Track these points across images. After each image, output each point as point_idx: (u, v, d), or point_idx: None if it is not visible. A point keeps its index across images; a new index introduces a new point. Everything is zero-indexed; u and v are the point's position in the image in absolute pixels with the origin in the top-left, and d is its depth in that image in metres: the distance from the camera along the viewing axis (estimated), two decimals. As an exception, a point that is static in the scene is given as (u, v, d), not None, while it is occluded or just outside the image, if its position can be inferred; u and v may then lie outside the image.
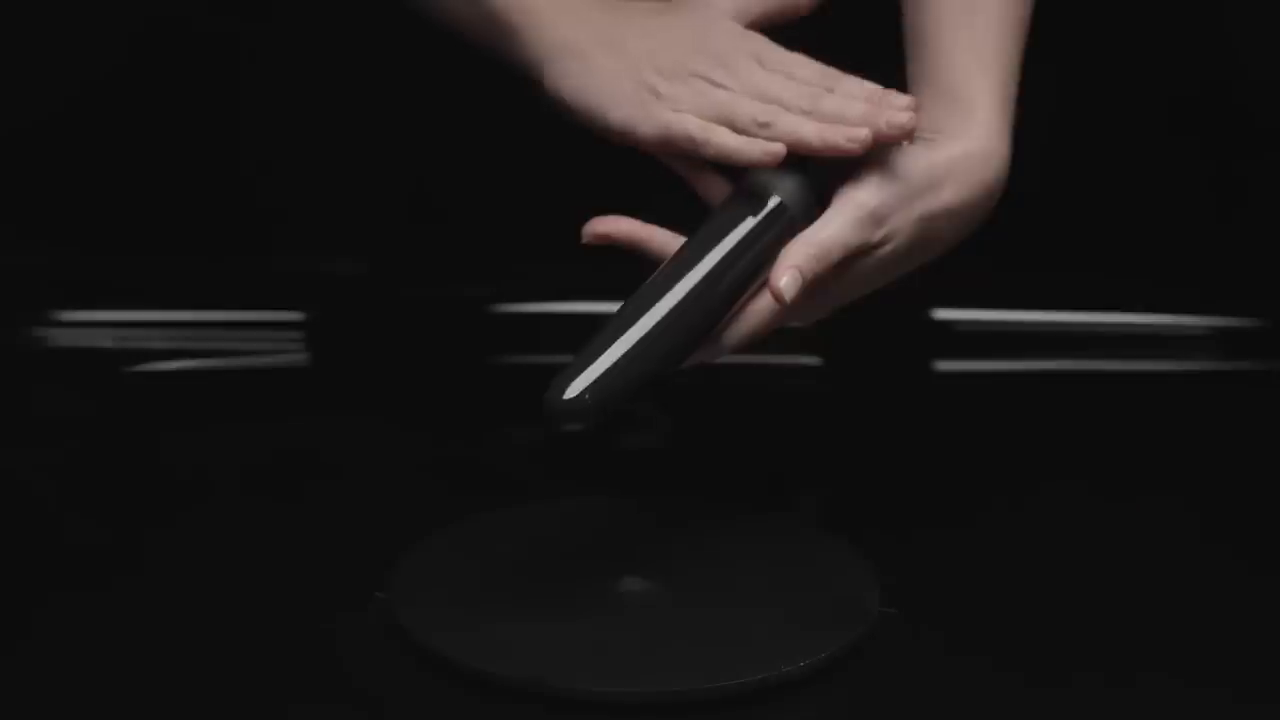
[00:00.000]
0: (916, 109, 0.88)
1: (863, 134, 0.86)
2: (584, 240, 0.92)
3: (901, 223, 0.88)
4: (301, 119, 1.22)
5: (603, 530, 0.98)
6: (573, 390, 0.83)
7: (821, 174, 0.89)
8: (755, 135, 0.87)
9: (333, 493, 1.04)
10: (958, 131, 0.91)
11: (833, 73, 0.90)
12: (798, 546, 0.97)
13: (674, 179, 0.94)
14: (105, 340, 1.23)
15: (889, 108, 0.87)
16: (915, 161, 0.89)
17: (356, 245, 1.25)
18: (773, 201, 0.88)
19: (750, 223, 0.87)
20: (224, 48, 1.22)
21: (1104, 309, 1.26)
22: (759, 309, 0.87)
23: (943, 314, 1.25)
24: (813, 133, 0.87)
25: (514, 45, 0.92)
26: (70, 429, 1.13)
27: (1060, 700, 0.87)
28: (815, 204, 0.88)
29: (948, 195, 0.89)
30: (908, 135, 0.87)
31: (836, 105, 0.88)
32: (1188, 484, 1.07)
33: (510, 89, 0.92)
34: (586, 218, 0.95)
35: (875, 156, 0.88)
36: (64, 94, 1.21)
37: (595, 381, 0.83)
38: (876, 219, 0.87)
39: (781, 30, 0.94)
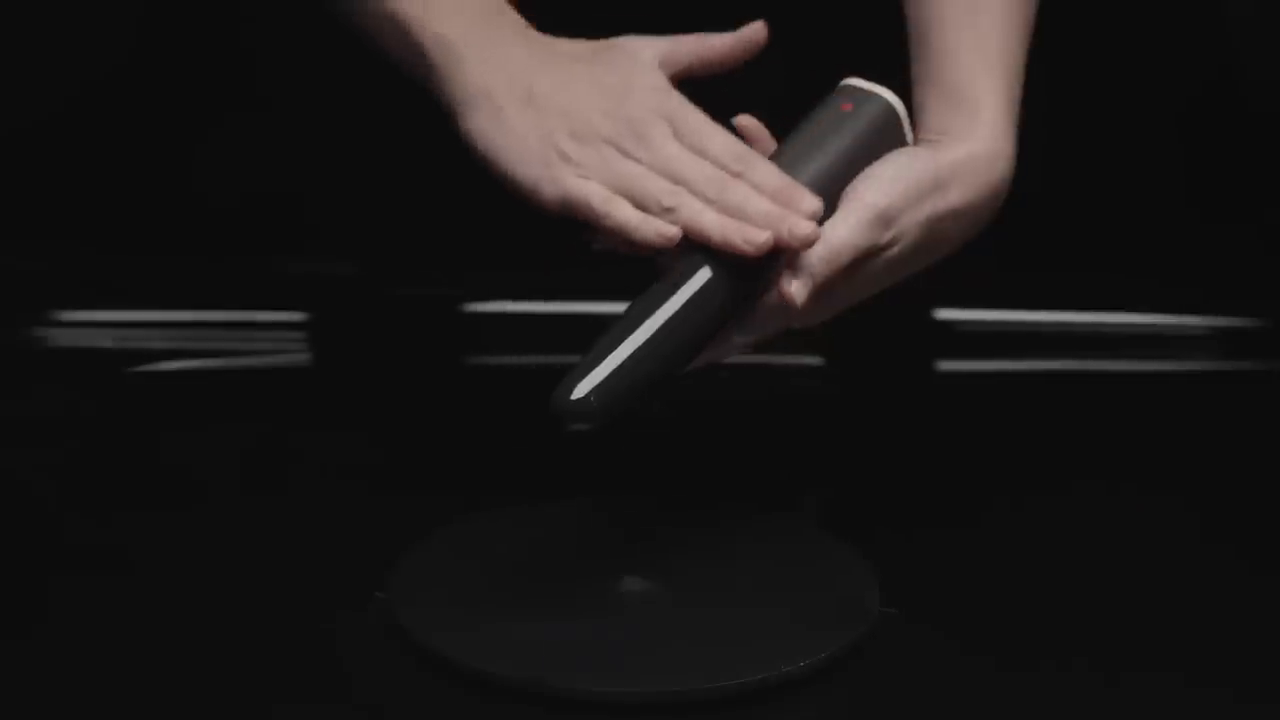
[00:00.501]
0: (817, 217, 0.86)
1: (762, 238, 0.84)
2: (593, 246, 0.91)
3: (909, 224, 0.88)
4: (301, 119, 1.22)
5: (603, 530, 0.98)
6: (580, 391, 0.83)
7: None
8: (658, 216, 0.86)
9: (333, 493, 1.04)
10: (963, 133, 0.91)
11: (745, 154, 0.88)
12: (798, 546, 0.97)
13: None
14: (105, 340, 1.23)
15: (794, 212, 0.85)
16: (922, 163, 0.89)
17: (357, 246, 1.25)
18: None
19: None
20: (224, 48, 1.22)
21: (1104, 309, 1.26)
22: (765, 311, 0.87)
23: (944, 314, 1.25)
24: (713, 226, 0.85)
25: (434, 84, 0.91)
26: (70, 429, 1.13)
27: (1060, 700, 0.87)
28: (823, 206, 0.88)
29: (955, 196, 0.89)
30: (808, 246, 0.85)
31: (740, 198, 0.86)
32: (1188, 484, 1.07)
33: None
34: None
35: (882, 159, 0.89)
36: (64, 94, 1.21)
37: (602, 382, 0.83)
38: (885, 220, 0.87)
39: (785, 31, 0.93)
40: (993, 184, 0.91)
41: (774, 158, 0.90)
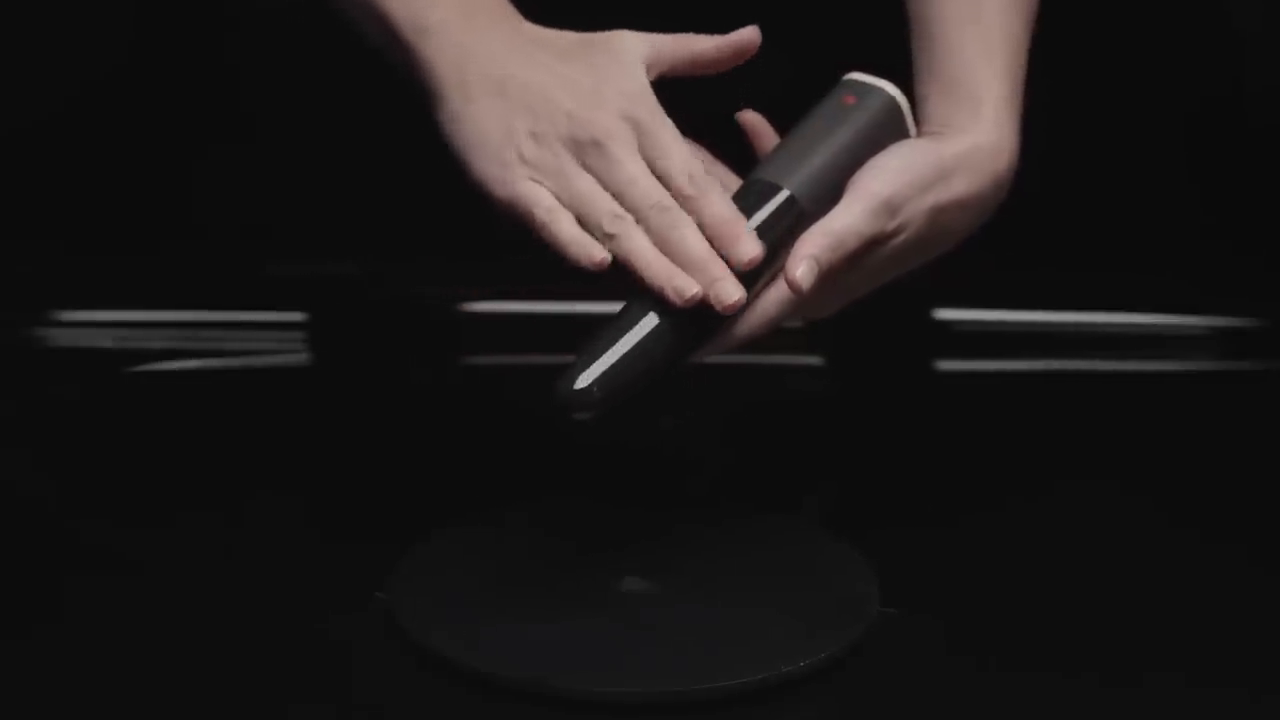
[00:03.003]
0: (754, 264, 0.84)
1: (691, 291, 0.83)
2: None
3: (914, 213, 0.88)
4: (302, 119, 1.22)
5: (603, 530, 0.98)
6: (582, 381, 0.83)
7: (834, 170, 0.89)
8: (599, 238, 0.85)
9: (333, 493, 1.04)
10: (966, 125, 0.91)
11: (702, 178, 0.86)
12: (798, 546, 0.97)
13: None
14: (105, 340, 1.23)
15: (732, 250, 0.84)
16: (926, 154, 0.89)
17: (357, 246, 1.25)
18: (782, 195, 0.88)
19: (760, 216, 0.87)
20: (223, 48, 1.22)
21: (1104, 309, 1.26)
22: (771, 300, 0.87)
23: (945, 314, 1.25)
24: (648, 265, 0.84)
25: (412, 71, 0.91)
26: (70, 429, 1.13)
27: (1060, 700, 0.87)
28: (824, 197, 0.88)
29: (958, 186, 0.90)
30: (729, 310, 0.84)
31: (679, 236, 0.84)
32: (1188, 484, 1.07)
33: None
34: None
35: (887, 150, 0.89)
36: (64, 94, 1.21)
37: (604, 372, 0.84)
38: (890, 209, 0.88)
39: (788, 25, 0.93)
40: (996, 175, 0.91)
41: (777, 151, 0.90)
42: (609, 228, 0.84)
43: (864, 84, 0.92)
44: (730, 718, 0.85)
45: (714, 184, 0.86)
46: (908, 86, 0.94)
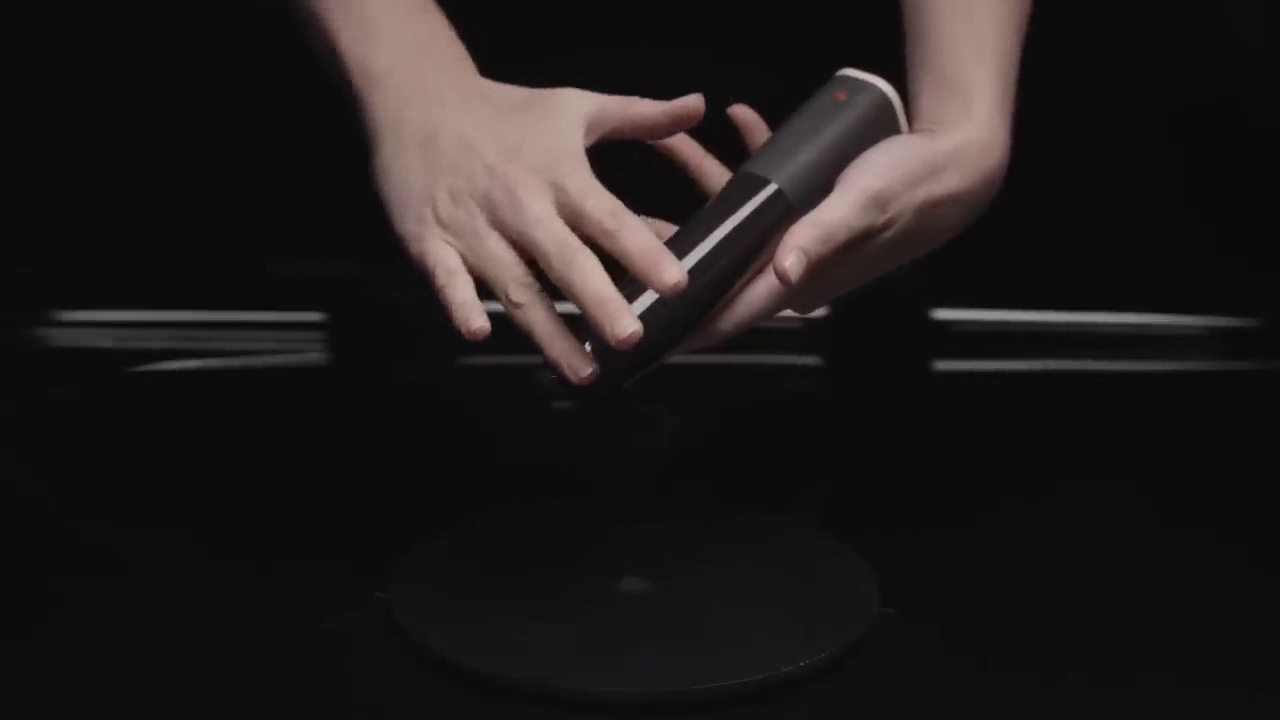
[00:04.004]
0: (679, 290, 0.82)
1: (586, 372, 0.82)
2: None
3: (904, 208, 0.89)
4: (302, 118, 1.22)
5: (603, 530, 0.98)
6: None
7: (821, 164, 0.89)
8: (505, 304, 0.84)
9: (333, 493, 1.04)
10: (958, 121, 0.91)
11: (621, 212, 0.84)
12: (798, 546, 0.97)
13: (672, 173, 0.94)
14: (105, 340, 1.23)
15: (657, 275, 0.82)
16: (917, 149, 0.89)
17: (358, 246, 1.25)
18: (770, 189, 0.88)
19: (746, 209, 0.87)
20: (223, 48, 1.22)
21: (1104, 309, 1.26)
22: (759, 293, 0.87)
23: (944, 314, 1.25)
24: (545, 340, 0.83)
25: (356, 109, 0.91)
26: (70, 429, 1.13)
27: (1060, 700, 0.87)
28: (813, 192, 0.88)
29: (949, 182, 0.90)
30: (626, 346, 0.81)
31: (579, 276, 0.82)
32: (1188, 484, 1.07)
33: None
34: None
35: (878, 145, 0.89)
36: (64, 94, 1.21)
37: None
38: (880, 203, 0.88)
39: (785, 18, 0.93)
40: (987, 172, 0.92)
41: (767, 145, 0.90)
42: (515, 296, 0.84)
43: (856, 79, 0.92)
44: (730, 718, 0.85)
45: (634, 218, 0.84)
46: (901, 82, 0.94)
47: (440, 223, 0.86)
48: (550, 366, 0.83)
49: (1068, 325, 1.26)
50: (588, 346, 0.84)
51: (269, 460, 1.09)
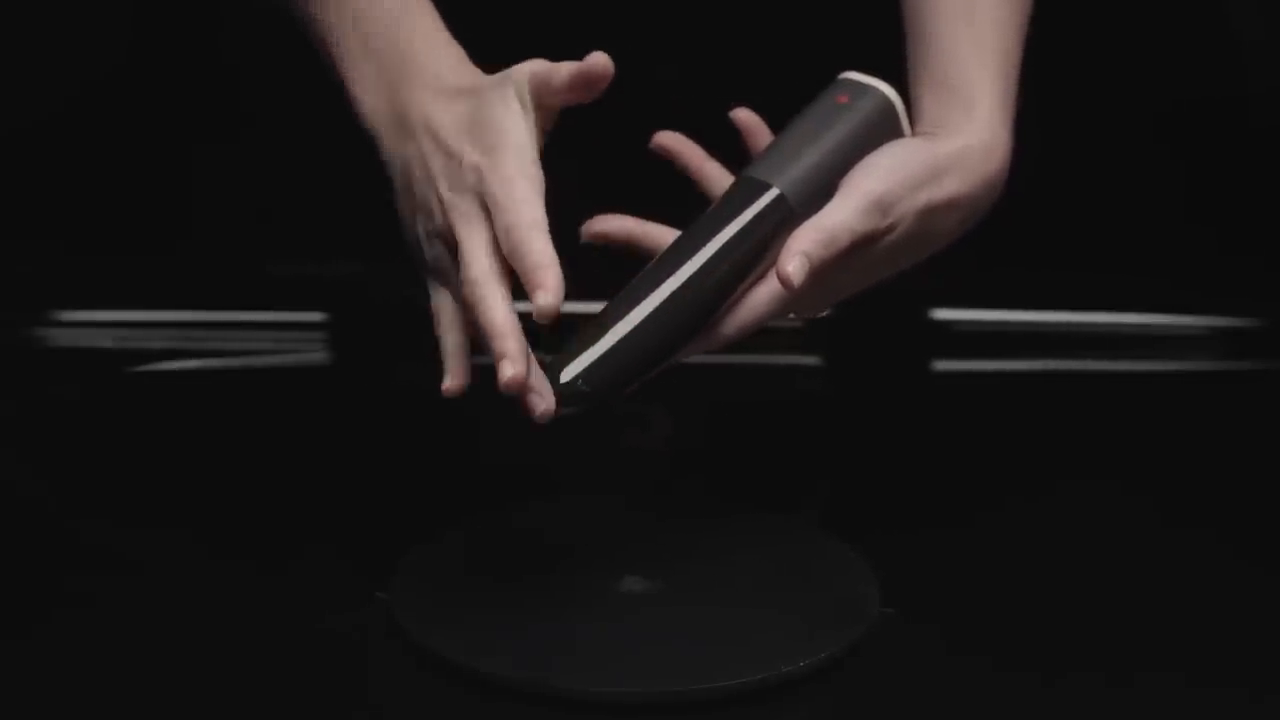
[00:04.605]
0: (549, 312, 0.81)
1: (508, 374, 0.81)
2: (582, 239, 0.92)
3: (906, 212, 0.89)
4: (302, 118, 1.22)
5: (603, 530, 0.98)
6: (566, 375, 0.83)
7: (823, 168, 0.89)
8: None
9: (333, 492, 1.04)
10: (959, 125, 0.91)
11: (492, 279, 0.83)
12: (798, 546, 0.97)
13: (675, 177, 0.94)
14: (105, 340, 1.23)
15: (508, 353, 0.81)
16: (919, 153, 0.89)
17: (358, 245, 1.25)
18: (771, 193, 0.88)
19: (748, 214, 0.87)
20: (225, 48, 1.22)
21: (1104, 309, 1.26)
22: (761, 298, 0.87)
23: (944, 314, 1.25)
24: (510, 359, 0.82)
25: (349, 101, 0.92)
26: (70, 429, 1.13)
27: (1060, 700, 0.87)
28: (815, 196, 0.88)
29: (951, 186, 0.90)
30: (510, 389, 0.81)
31: (486, 311, 0.82)
32: (1187, 484, 1.07)
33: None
34: (584, 217, 0.95)
35: (880, 149, 0.89)
36: (64, 94, 1.21)
37: (589, 367, 0.84)
38: (883, 207, 0.88)
39: (788, 21, 0.93)
40: (989, 175, 0.91)
41: (769, 149, 0.90)
42: (471, 300, 0.84)
43: (858, 83, 0.92)
44: (730, 718, 0.85)
45: (527, 231, 0.82)
46: (903, 86, 0.94)
47: (425, 268, 0.89)
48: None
49: (1068, 325, 1.26)
50: (581, 363, 0.84)
51: (269, 460, 1.09)
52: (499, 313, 0.82)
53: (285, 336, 1.24)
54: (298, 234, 1.25)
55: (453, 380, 0.87)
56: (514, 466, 1.07)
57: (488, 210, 0.84)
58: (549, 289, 0.80)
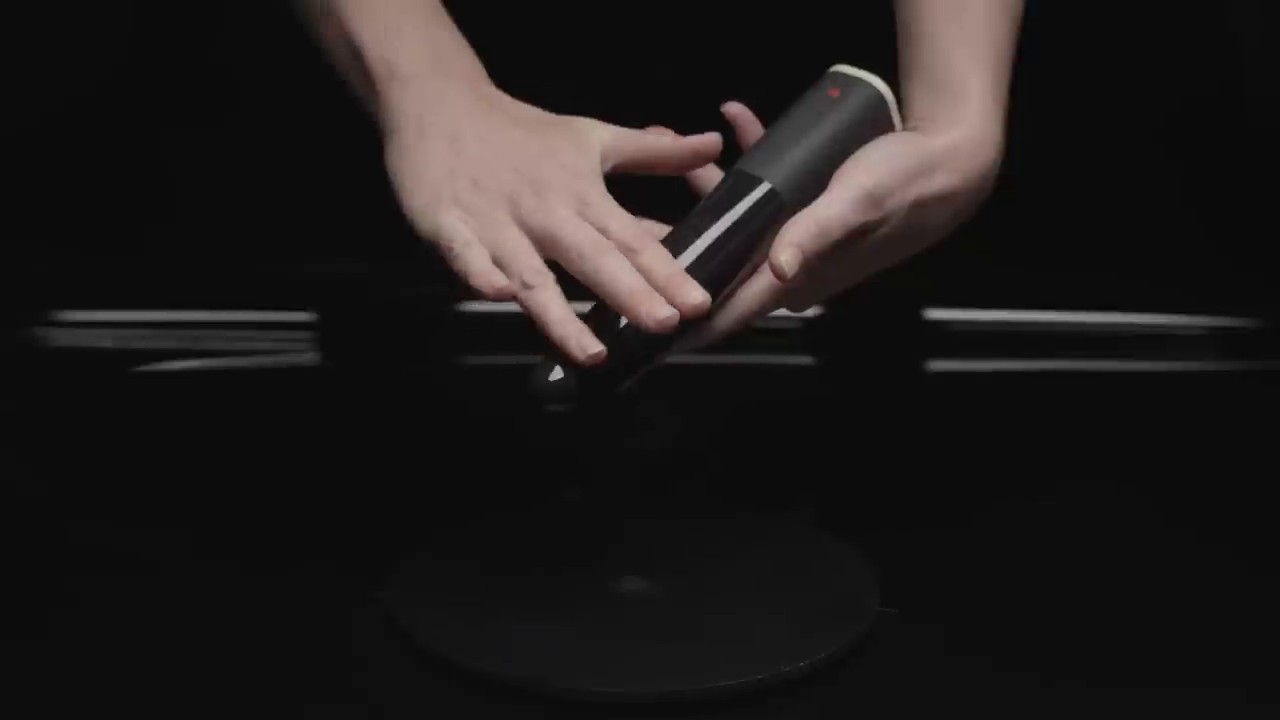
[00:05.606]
0: (701, 310, 0.83)
1: (595, 349, 0.82)
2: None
3: (898, 205, 0.89)
4: (303, 118, 1.22)
5: (603, 530, 0.98)
6: (557, 373, 0.83)
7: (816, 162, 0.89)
8: (516, 290, 0.84)
9: (333, 493, 1.04)
10: (951, 120, 0.91)
11: (644, 236, 0.85)
12: (797, 546, 0.97)
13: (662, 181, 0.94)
14: (105, 340, 1.23)
15: (678, 296, 0.83)
16: (910, 147, 0.89)
17: (358, 245, 1.25)
18: (763, 188, 0.88)
19: (739, 208, 0.87)
20: (224, 48, 1.22)
21: (1104, 309, 1.26)
22: (754, 292, 0.87)
23: (938, 314, 1.25)
24: (556, 321, 0.83)
25: (375, 104, 0.91)
26: (70, 429, 1.13)
27: (1060, 700, 0.87)
28: (806, 190, 0.88)
29: (942, 180, 0.90)
30: (665, 330, 0.82)
31: (615, 267, 0.83)
32: (1187, 484, 1.07)
33: (509, 88, 0.92)
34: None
35: (871, 143, 0.89)
36: (64, 94, 1.21)
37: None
38: (875, 200, 0.88)
39: (779, 15, 0.93)
40: (980, 170, 0.91)
41: (760, 144, 0.90)
42: (529, 279, 0.84)
43: (849, 76, 0.92)
44: (730, 718, 0.85)
45: (655, 241, 0.86)
46: (895, 79, 0.94)
47: (458, 203, 0.86)
48: (557, 348, 0.83)
49: (1068, 325, 1.26)
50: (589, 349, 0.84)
51: (269, 460, 1.09)
52: (625, 271, 0.83)
53: (285, 336, 1.24)
54: (298, 234, 1.25)
55: (503, 279, 0.84)
56: (514, 467, 1.07)
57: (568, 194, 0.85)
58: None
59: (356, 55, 0.92)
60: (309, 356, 1.24)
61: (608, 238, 0.85)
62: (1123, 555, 0.99)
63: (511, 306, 0.84)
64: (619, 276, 0.83)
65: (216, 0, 1.21)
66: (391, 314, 1.25)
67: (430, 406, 1.17)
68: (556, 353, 0.84)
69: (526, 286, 0.84)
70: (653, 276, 0.84)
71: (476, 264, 0.84)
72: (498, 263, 0.84)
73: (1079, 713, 0.86)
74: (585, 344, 0.82)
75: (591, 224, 0.85)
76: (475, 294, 0.84)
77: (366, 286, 1.26)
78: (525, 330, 0.83)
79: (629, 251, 0.84)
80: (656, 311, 0.82)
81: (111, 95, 1.22)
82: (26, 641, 0.90)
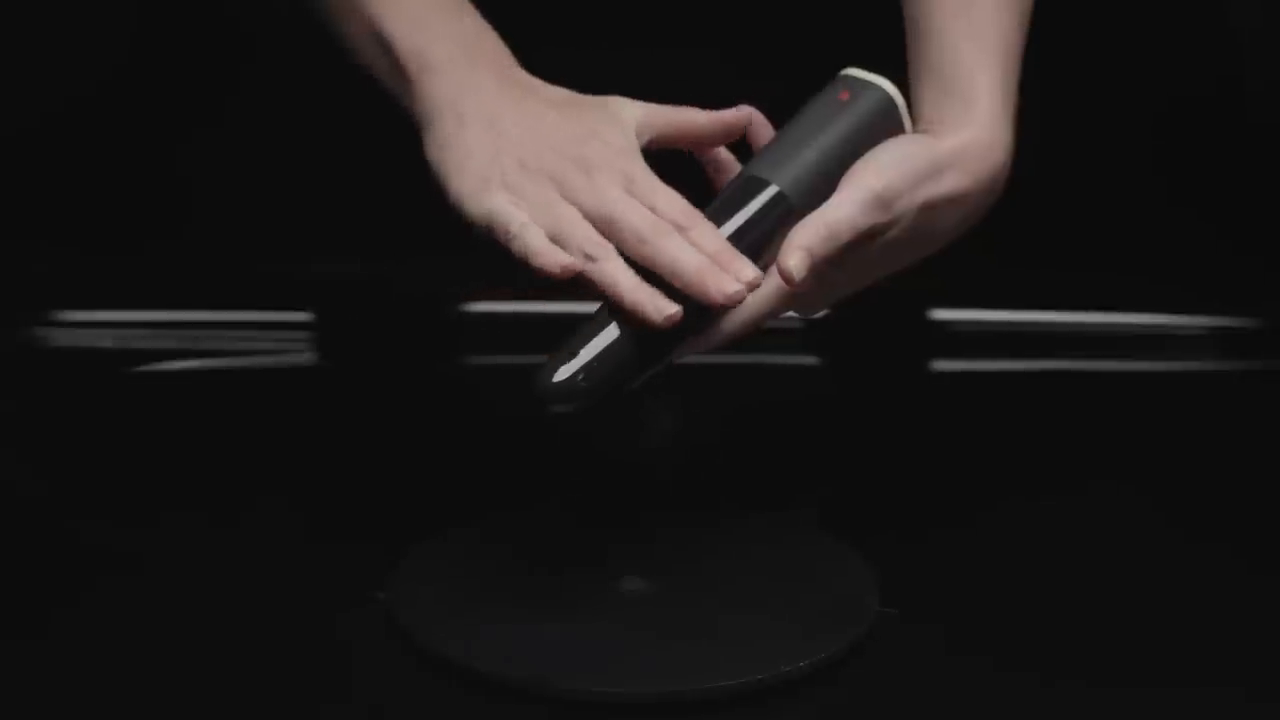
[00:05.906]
0: (755, 286, 0.85)
1: (671, 310, 0.83)
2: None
3: (907, 208, 0.88)
4: (303, 118, 1.22)
5: (602, 530, 0.98)
6: (563, 373, 0.83)
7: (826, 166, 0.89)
8: (579, 263, 0.84)
9: (334, 492, 1.04)
10: (960, 122, 0.91)
11: (692, 213, 0.87)
12: (797, 546, 0.97)
13: (675, 174, 0.94)
14: (105, 340, 1.23)
15: (730, 274, 0.84)
16: (920, 149, 0.89)
17: (359, 245, 1.25)
18: (771, 191, 0.88)
19: (748, 211, 0.87)
20: (224, 48, 1.22)
21: (1104, 309, 1.26)
22: (760, 296, 0.87)
23: (943, 314, 1.25)
24: (627, 287, 0.84)
25: (408, 99, 0.91)
26: (70, 429, 1.13)
27: (1060, 700, 0.87)
28: (815, 193, 0.88)
29: (951, 182, 0.90)
30: (734, 304, 0.84)
31: (676, 245, 0.85)
32: (1187, 484, 1.07)
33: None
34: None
35: (881, 145, 0.89)
36: (64, 94, 1.21)
37: (588, 364, 0.84)
38: (884, 202, 0.88)
39: (789, 18, 0.93)
40: (989, 171, 0.91)
41: (770, 147, 0.90)
42: (590, 250, 0.85)
43: (860, 79, 0.92)
44: (730, 718, 0.85)
45: (703, 218, 0.87)
46: (905, 82, 0.94)
47: (507, 186, 0.87)
48: (630, 315, 0.84)
49: (1068, 325, 1.26)
50: (578, 360, 0.84)
51: (269, 460, 1.09)
52: (687, 250, 0.84)
53: (285, 336, 1.24)
54: (297, 234, 1.25)
55: (567, 257, 0.84)
56: (514, 467, 1.07)
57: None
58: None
59: (386, 50, 0.92)
60: (309, 356, 1.24)
61: (656, 214, 0.86)
62: (1123, 555, 0.99)
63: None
64: (681, 256, 0.84)
65: (217, 0, 1.21)
66: (391, 314, 1.25)
67: (430, 407, 1.17)
68: (564, 353, 0.84)
69: (590, 259, 0.84)
70: (704, 253, 0.85)
71: (536, 243, 0.85)
72: (555, 241, 0.85)
73: (1079, 713, 0.86)
74: (661, 306, 0.83)
75: (639, 201, 0.86)
76: (537, 275, 0.85)
77: (366, 286, 1.26)
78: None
79: (680, 229, 0.85)
80: (726, 286, 0.84)
81: (112, 95, 1.22)
82: (27, 641, 0.90)
